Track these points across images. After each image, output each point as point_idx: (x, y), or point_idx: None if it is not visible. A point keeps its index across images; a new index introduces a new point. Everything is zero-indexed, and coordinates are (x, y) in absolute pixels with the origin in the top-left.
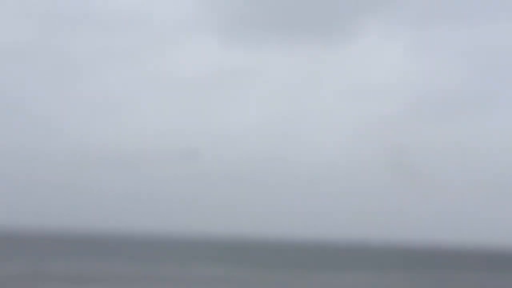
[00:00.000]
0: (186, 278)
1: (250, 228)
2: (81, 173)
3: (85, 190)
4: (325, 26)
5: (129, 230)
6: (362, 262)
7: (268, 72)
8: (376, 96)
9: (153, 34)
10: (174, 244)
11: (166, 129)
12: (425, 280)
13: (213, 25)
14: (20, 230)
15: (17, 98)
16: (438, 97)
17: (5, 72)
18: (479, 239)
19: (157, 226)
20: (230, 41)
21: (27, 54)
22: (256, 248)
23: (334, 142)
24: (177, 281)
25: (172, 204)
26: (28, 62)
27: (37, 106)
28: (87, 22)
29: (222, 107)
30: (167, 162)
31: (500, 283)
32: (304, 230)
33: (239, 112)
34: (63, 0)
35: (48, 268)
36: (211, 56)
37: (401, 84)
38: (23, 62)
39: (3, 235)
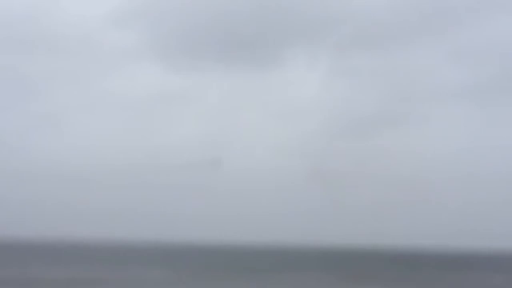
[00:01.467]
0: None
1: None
2: (28, 186)
3: (28, 202)
4: (257, 54)
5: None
6: (287, 263)
7: (205, 93)
8: (300, 115)
9: (102, 58)
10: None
11: (110, 145)
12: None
13: (157, 52)
14: None
15: None
16: (354, 117)
17: None
18: (386, 239)
19: (99, 234)
20: (172, 67)
21: None
22: (191, 252)
23: (261, 155)
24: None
25: (122, 213)
26: None
27: None
28: (42, 45)
29: (162, 125)
30: (111, 176)
31: (407, 278)
32: (230, 233)
33: (177, 129)
34: (19, 24)
35: None
36: (154, 79)
37: (322, 105)
38: None
39: None
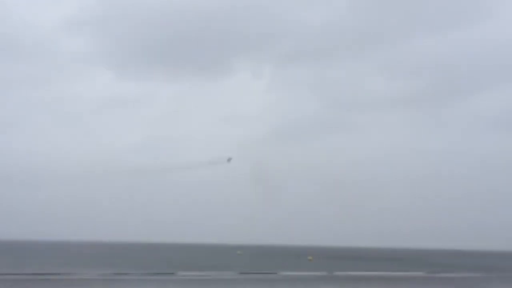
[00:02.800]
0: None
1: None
2: None
3: None
4: (206, 63)
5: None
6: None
7: (154, 100)
8: (245, 121)
9: (55, 64)
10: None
11: (60, 148)
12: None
13: (109, 59)
14: None
15: None
16: (295, 124)
17: None
18: (323, 239)
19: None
20: (123, 73)
21: None
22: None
23: (206, 152)
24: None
25: (63, 215)
26: None
27: None
28: None
29: (111, 130)
30: (59, 178)
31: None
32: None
33: (126, 134)
34: None
35: None
36: (105, 85)
37: (265, 112)
38: None
39: None
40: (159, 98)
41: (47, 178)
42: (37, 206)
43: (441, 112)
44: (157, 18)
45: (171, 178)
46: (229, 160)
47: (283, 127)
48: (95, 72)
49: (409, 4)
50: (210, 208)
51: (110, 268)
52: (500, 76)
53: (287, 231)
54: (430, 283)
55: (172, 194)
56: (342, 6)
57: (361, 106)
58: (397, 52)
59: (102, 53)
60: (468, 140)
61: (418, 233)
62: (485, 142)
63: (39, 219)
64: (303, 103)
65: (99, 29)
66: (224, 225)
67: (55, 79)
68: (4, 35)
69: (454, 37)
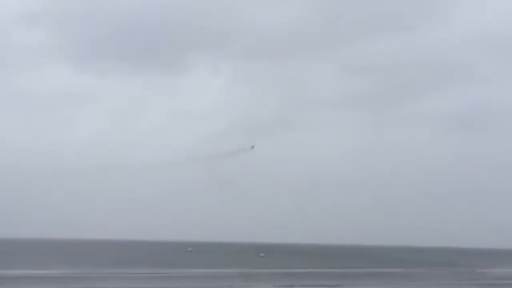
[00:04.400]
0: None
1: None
2: None
3: None
4: (166, 58)
5: None
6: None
7: (111, 95)
8: (202, 118)
9: (10, 56)
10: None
11: (13, 143)
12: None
13: (65, 52)
14: None
15: None
16: (253, 122)
17: None
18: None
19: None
20: (80, 67)
21: None
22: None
23: (163, 157)
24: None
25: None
26: None
27: None
28: None
29: (66, 124)
30: (11, 176)
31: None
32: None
33: (80, 129)
34: None
35: None
36: (62, 79)
37: (223, 109)
38: None
39: None
40: (118, 93)
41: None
42: None
43: (399, 112)
44: (118, 11)
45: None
46: (252, 147)
47: (241, 125)
48: (52, 66)
49: (368, 3)
50: (166, 206)
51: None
52: (454, 77)
53: (246, 229)
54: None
55: (122, 195)
56: (301, 5)
57: (318, 105)
58: (355, 52)
59: (60, 46)
60: (422, 140)
61: (373, 230)
62: (439, 142)
63: None
64: (263, 101)
65: (56, 21)
66: (180, 222)
67: (8, 71)
68: None
69: (411, 37)
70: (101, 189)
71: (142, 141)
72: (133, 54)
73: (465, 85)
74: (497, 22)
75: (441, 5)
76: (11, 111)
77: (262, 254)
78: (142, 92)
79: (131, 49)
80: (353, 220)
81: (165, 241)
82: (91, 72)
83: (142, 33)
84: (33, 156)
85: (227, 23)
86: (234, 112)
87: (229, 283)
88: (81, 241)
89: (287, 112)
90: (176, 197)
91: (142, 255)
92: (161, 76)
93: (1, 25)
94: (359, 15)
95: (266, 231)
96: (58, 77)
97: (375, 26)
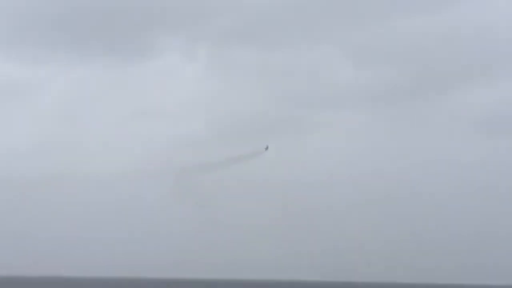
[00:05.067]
0: None
1: None
2: None
3: None
4: (122, 41)
5: None
6: None
7: (57, 88)
8: (172, 115)
9: None
10: None
11: None
12: None
13: (4, 41)
14: None
15: None
16: (235, 120)
17: None
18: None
19: None
20: (18, 56)
21: None
22: None
23: (120, 161)
24: None
25: None
26: None
27: None
28: None
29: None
30: None
31: None
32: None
33: (20, 126)
34: None
35: None
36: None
37: (199, 104)
38: None
39: None
40: (65, 86)
41: None
42: None
43: (419, 110)
44: None
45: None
46: (266, 148)
47: (221, 124)
48: None
49: None
50: (125, 232)
51: None
52: (493, 69)
53: (226, 262)
54: None
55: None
56: None
57: (321, 101)
58: (368, 36)
59: None
60: (448, 144)
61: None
62: (465, 147)
63: None
64: (248, 95)
65: None
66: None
67: None
68: None
69: (437, 19)
70: (38, 209)
71: (94, 147)
72: (81, 37)
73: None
74: None
75: None
76: None
77: None
78: (96, 85)
79: (79, 30)
80: (376, 253)
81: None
82: (26, 60)
83: (93, 10)
84: None
85: (202, 2)
86: (213, 109)
87: None
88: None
89: (280, 110)
90: (138, 221)
91: None
92: (120, 65)
93: None
94: None
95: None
96: None
97: (392, 4)
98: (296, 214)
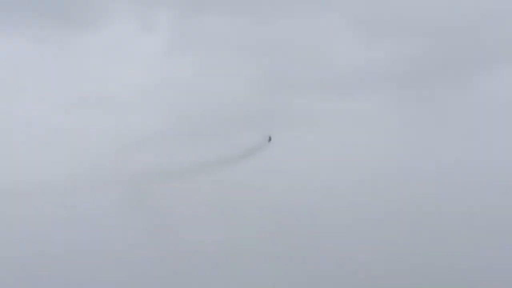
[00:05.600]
0: None
1: None
2: None
3: None
4: (61, 10)
5: None
6: None
7: None
8: (125, 104)
9: None
10: None
11: None
12: None
13: None
14: None
15: None
16: (207, 110)
17: None
18: None
19: None
20: None
21: None
22: None
23: (52, 160)
24: None
25: None
26: None
27: None
28: None
29: None
30: None
31: None
32: None
33: None
34: None
35: None
36: None
37: (160, 89)
38: None
39: None
40: None
41: None
42: None
43: (443, 97)
44: None
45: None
46: (269, 139)
47: (192, 117)
48: None
49: None
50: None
51: None
52: None
53: None
54: None
55: None
56: None
57: (322, 85)
58: (379, 5)
59: None
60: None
61: None
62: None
63: None
64: (226, 77)
65: None
66: None
67: None
68: None
69: None
70: None
71: (18, 148)
72: (6, 1)
73: None
74: None
75: None
76: None
77: None
78: (24, 64)
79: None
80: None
81: None
82: None
83: None
84: None
85: None
86: (178, 96)
87: None
88: None
89: (269, 96)
90: (74, 245)
91: None
92: (55, 38)
93: None
94: None
95: None
96: None
97: None
98: (289, 231)
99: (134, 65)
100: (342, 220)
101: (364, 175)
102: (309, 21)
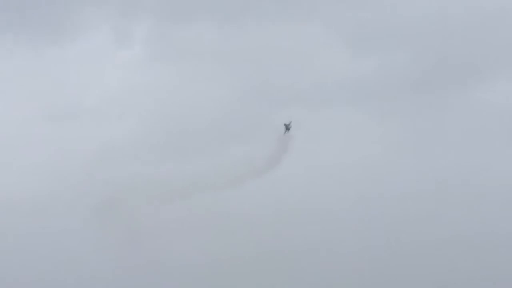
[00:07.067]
0: None
1: None
2: None
3: None
4: (33, 19)
5: None
6: None
7: None
8: (98, 116)
9: None
10: None
11: None
12: None
13: None
14: None
15: None
16: (189, 126)
17: None
18: None
19: None
20: None
21: None
22: None
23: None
24: None
25: None
26: None
27: None
28: None
29: None
30: None
31: None
32: None
33: None
34: None
35: None
36: None
37: (135, 101)
38: None
39: None
40: None
41: None
42: None
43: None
44: None
45: None
46: (287, 129)
47: (169, 131)
48: None
49: None
50: None
51: None
52: None
53: None
54: None
55: None
56: None
57: (308, 96)
58: (370, 11)
59: None
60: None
61: None
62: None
63: None
64: (205, 87)
65: None
66: None
67: None
68: None
69: None
70: None
71: None
72: None
73: None
74: None
75: None
76: None
77: None
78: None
79: None
80: None
81: None
82: None
83: None
84: None
85: None
86: (155, 109)
87: None
88: None
89: (252, 108)
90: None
91: None
92: (27, 48)
93: None
94: None
95: None
96: None
97: None
98: (275, 255)
99: (110, 76)
100: (332, 239)
101: (352, 190)
102: (294, 29)
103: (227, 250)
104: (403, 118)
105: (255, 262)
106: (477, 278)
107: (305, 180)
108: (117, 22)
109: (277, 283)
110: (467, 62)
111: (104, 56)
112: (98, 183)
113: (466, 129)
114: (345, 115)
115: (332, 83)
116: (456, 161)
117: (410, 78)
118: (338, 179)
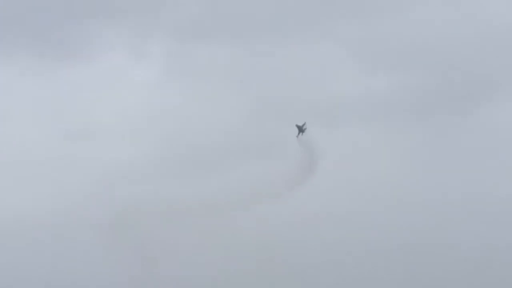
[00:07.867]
0: None
1: None
2: None
3: None
4: (50, 40)
5: None
6: None
7: None
8: (115, 136)
9: None
10: None
11: None
12: None
13: None
14: None
15: None
16: (200, 141)
17: None
18: None
19: None
20: None
21: None
22: None
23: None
24: None
25: None
26: None
27: None
28: None
29: None
30: None
31: None
32: None
33: None
34: None
35: None
36: None
37: (152, 120)
38: None
39: None
40: None
41: None
42: None
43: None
44: None
45: None
46: (301, 131)
47: (184, 151)
48: None
49: None
50: None
51: None
52: None
53: None
54: None
55: None
56: None
57: (320, 115)
58: (382, 32)
59: None
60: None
61: None
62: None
63: None
64: (220, 107)
65: None
66: None
67: None
68: None
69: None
70: None
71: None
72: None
73: None
74: None
75: None
76: None
77: None
78: (10, 94)
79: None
80: None
81: None
82: None
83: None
84: None
85: None
86: (171, 127)
87: None
88: None
89: (264, 127)
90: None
91: None
92: (44, 68)
93: None
94: None
95: None
96: None
97: None
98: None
99: (126, 96)
100: (340, 260)
101: (363, 212)
102: (306, 48)
103: (241, 266)
104: (414, 135)
105: (268, 279)
106: None
107: (324, 193)
108: (132, 43)
109: None
110: (477, 81)
111: (121, 77)
112: (115, 200)
113: (477, 148)
114: (358, 133)
115: (345, 101)
116: (467, 178)
117: (422, 97)
118: (358, 197)
